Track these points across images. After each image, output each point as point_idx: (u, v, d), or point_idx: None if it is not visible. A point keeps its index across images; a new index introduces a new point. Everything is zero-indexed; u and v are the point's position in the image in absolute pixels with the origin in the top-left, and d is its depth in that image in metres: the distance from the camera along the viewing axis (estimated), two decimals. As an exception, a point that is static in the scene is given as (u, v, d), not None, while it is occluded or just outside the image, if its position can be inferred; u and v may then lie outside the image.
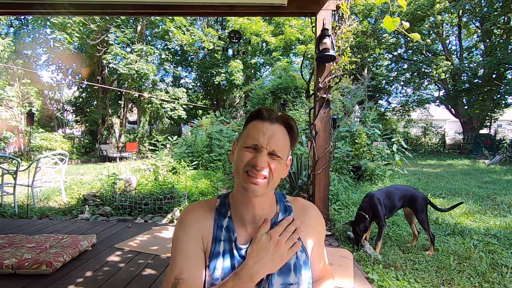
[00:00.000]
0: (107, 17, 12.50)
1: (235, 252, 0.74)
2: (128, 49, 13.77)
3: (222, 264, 0.73)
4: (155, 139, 6.48)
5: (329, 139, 2.80)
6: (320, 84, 2.73)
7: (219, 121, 8.35)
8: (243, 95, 17.84)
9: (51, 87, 15.16)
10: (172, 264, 0.72)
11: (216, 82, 15.03)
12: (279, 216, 0.80)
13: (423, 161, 10.83)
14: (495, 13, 12.67)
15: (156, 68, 14.87)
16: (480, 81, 14.34)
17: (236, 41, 3.76)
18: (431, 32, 15.27)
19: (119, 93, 15.65)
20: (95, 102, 15.80)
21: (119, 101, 15.96)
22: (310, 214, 0.83)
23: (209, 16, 11.68)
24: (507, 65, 12.26)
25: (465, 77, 14.54)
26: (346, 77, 8.66)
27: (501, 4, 12.47)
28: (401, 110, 18.69)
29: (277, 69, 13.05)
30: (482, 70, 13.92)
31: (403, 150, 6.44)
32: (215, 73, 15.07)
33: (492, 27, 13.27)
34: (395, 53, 17.86)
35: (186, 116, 14.80)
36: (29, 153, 11.19)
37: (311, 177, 2.91)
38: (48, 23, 12.70)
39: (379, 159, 6.27)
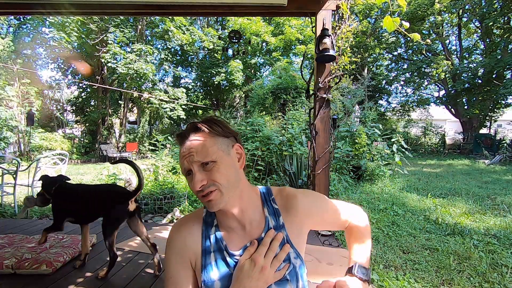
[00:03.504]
0: (106, 17, 12.50)
1: (228, 259, 0.72)
2: (128, 49, 13.78)
3: (218, 275, 0.71)
4: (155, 139, 6.47)
5: (329, 139, 2.80)
6: (320, 84, 2.73)
7: (219, 121, 8.33)
8: (243, 95, 17.85)
9: (51, 87, 15.16)
10: (165, 284, 0.75)
11: (216, 82, 15.04)
12: (270, 221, 0.75)
13: (423, 161, 10.84)
14: (495, 12, 12.68)
15: (156, 68, 14.87)
16: (480, 81, 14.35)
17: (236, 41, 3.75)
18: (431, 32, 15.28)
19: (119, 93, 15.65)
20: (95, 102, 15.80)
21: (119, 101, 15.97)
22: (297, 204, 0.76)
23: (209, 16, 11.68)
24: (507, 66, 12.25)
25: (465, 77, 14.56)
26: (346, 77, 8.66)
27: (501, 4, 12.49)
28: (401, 110, 18.71)
29: (277, 69, 13.05)
30: (482, 70, 13.94)
31: (403, 150, 6.44)
32: (215, 73, 15.08)
33: (492, 27, 13.28)
34: (395, 53, 17.87)
35: (185, 117, 14.80)
36: (29, 153, 11.19)
37: (311, 177, 2.91)
38: (48, 23, 12.72)
39: (379, 159, 6.27)
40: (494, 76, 13.42)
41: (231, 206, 0.71)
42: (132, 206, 1.94)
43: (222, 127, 0.72)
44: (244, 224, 0.74)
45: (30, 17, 12.85)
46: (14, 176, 3.88)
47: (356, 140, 6.03)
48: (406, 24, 1.21)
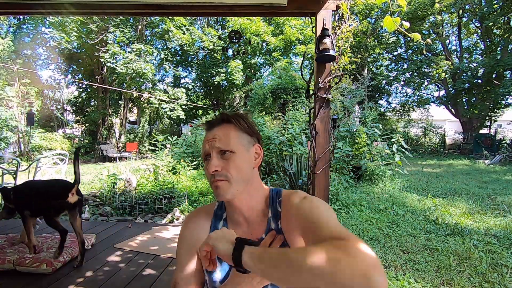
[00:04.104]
0: (106, 17, 12.50)
1: None
2: (128, 49, 13.78)
3: (219, 266, 0.75)
4: (155, 139, 6.47)
5: (329, 139, 2.80)
6: (320, 84, 2.72)
7: (219, 121, 8.34)
8: (243, 95, 17.84)
9: (50, 87, 15.16)
10: (175, 271, 0.80)
11: (216, 82, 15.04)
12: (271, 223, 0.75)
13: (423, 161, 10.84)
14: (495, 12, 12.69)
15: (156, 68, 14.86)
16: (480, 81, 14.34)
17: (236, 41, 3.75)
18: (431, 32, 15.27)
19: (119, 93, 15.66)
20: (95, 102, 15.80)
21: (119, 101, 15.97)
22: (296, 209, 0.68)
23: (209, 16, 11.68)
24: (507, 66, 12.25)
25: (465, 77, 14.56)
26: (346, 77, 8.66)
27: (501, 4, 12.49)
28: (401, 110, 18.70)
29: (277, 69, 13.05)
30: (482, 70, 13.94)
31: (403, 150, 6.44)
32: (215, 73, 15.08)
33: (492, 27, 13.28)
34: (395, 53, 17.86)
35: (185, 117, 14.80)
36: (29, 153, 11.19)
37: (311, 177, 2.91)
38: (47, 22, 12.73)
39: (379, 159, 6.27)
40: (494, 76, 13.42)
41: (239, 201, 0.74)
42: (73, 198, 2.07)
43: (249, 125, 0.76)
44: (250, 221, 0.77)
45: (30, 17, 12.85)
46: (14, 176, 3.88)
47: (356, 140, 6.03)
48: (406, 24, 1.21)
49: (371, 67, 17.92)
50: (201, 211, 0.85)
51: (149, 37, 15.69)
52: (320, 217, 0.62)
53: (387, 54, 17.94)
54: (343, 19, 2.71)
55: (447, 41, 16.54)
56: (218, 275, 0.75)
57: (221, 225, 0.80)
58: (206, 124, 0.77)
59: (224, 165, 0.70)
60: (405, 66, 17.44)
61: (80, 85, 15.22)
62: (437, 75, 14.85)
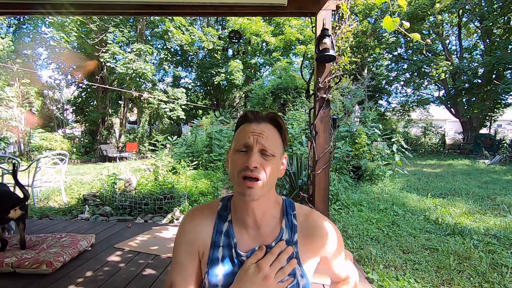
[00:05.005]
0: (105, 17, 12.51)
1: (235, 258, 0.73)
2: (128, 49, 13.78)
3: (222, 271, 0.71)
4: (155, 139, 6.48)
5: (329, 139, 2.79)
6: (320, 84, 2.72)
7: (219, 121, 8.37)
8: (243, 95, 17.86)
9: (50, 87, 15.16)
10: (170, 269, 0.76)
11: (216, 82, 15.05)
12: (284, 233, 0.74)
13: (423, 161, 10.84)
14: (495, 13, 12.69)
15: (156, 68, 14.87)
16: (480, 81, 14.34)
17: (236, 41, 3.75)
18: (431, 32, 15.28)
19: (119, 93, 15.66)
20: (95, 102, 15.81)
21: (119, 101, 15.97)
22: (320, 235, 0.75)
23: (209, 16, 11.67)
24: (506, 65, 12.25)
25: (465, 77, 14.57)
26: (346, 77, 8.66)
27: (501, 4, 12.49)
28: (401, 110, 18.70)
29: (277, 69, 13.06)
30: (482, 70, 13.94)
31: (403, 150, 6.44)
32: (215, 73, 15.09)
33: (492, 27, 13.29)
34: (395, 53, 17.86)
35: (185, 117, 14.80)
36: (29, 153, 11.19)
37: (311, 177, 2.91)
38: (47, 22, 12.73)
39: (379, 159, 6.27)
40: (494, 76, 13.42)
41: (257, 204, 0.72)
42: (15, 214, 2.17)
43: (287, 134, 0.77)
44: (260, 226, 0.74)
45: (30, 17, 12.85)
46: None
47: (356, 140, 6.03)
48: (406, 24, 1.21)
49: (371, 67, 17.92)
50: (205, 209, 0.80)
51: (149, 37, 15.70)
52: (342, 256, 0.81)
53: (387, 54, 17.94)
54: (343, 19, 2.71)
55: (447, 41, 16.55)
56: (220, 278, 0.70)
57: (226, 226, 0.76)
58: (253, 113, 0.73)
59: (263, 164, 0.68)
60: (405, 66, 17.45)
61: (80, 85, 15.22)
62: (437, 75, 14.85)
